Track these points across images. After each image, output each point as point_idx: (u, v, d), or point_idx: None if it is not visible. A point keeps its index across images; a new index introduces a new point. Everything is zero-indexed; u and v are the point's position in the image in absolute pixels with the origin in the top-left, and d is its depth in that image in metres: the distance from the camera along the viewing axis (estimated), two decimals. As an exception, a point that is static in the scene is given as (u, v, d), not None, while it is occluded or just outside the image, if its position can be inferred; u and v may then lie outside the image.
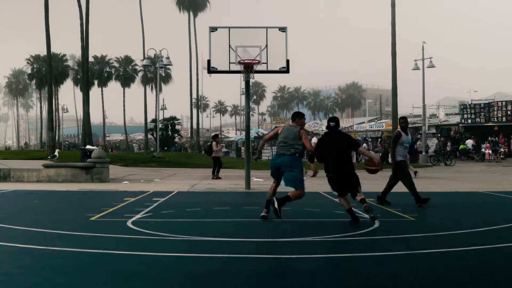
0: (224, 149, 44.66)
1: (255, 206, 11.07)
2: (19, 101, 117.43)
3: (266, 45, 14.79)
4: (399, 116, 21.74)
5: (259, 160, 10.20)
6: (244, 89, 16.26)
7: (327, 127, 9.16)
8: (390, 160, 11.11)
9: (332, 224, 8.98)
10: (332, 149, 8.67)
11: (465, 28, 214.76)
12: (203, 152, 64.13)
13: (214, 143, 20.88)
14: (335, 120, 9.07)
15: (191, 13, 67.99)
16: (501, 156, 39.08)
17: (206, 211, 10.39)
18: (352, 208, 8.71)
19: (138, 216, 9.36)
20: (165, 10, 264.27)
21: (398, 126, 11.54)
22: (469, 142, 41.00)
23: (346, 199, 8.69)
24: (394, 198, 11.47)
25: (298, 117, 9.17)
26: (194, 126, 68.09)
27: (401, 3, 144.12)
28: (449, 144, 42.07)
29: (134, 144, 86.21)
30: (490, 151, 38.78)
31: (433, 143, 42.67)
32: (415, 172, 20.43)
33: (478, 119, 44.78)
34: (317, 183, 15.12)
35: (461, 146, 41.40)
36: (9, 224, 8.41)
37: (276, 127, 9.54)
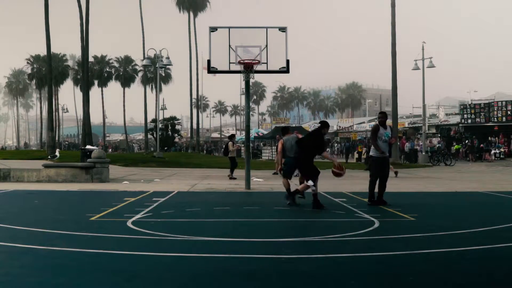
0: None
1: (255, 206, 11.10)
2: (19, 101, 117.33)
3: (266, 45, 14.80)
4: (398, 115, 21.81)
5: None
6: (244, 89, 16.26)
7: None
8: (371, 153, 11.22)
9: (332, 224, 8.99)
10: (302, 143, 10.66)
11: (465, 28, 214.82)
12: (204, 152, 64.31)
13: (230, 143, 20.74)
14: (320, 123, 10.89)
15: (191, 13, 67.88)
16: (501, 156, 39.02)
17: (206, 211, 10.39)
18: (303, 193, 11.00)
19: (138, 216, 9.36)
20: (165, 10, 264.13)
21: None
22: (470, 142, 41.06)
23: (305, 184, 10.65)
24: (394, 198, 11.47)
25: (286, 131, 11.87)
26: (194, 126, 68.07)
27: (401, 3, 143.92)
28: (454, 144, 42.04)
29: (134, 144, 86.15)
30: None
31: (434, 142, 42.65)
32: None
33: (478, 119, 44.73)
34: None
35: (456, 146, 41.39)
36: (9, 224, 8.41)
37: (280, 139, 12.18)
